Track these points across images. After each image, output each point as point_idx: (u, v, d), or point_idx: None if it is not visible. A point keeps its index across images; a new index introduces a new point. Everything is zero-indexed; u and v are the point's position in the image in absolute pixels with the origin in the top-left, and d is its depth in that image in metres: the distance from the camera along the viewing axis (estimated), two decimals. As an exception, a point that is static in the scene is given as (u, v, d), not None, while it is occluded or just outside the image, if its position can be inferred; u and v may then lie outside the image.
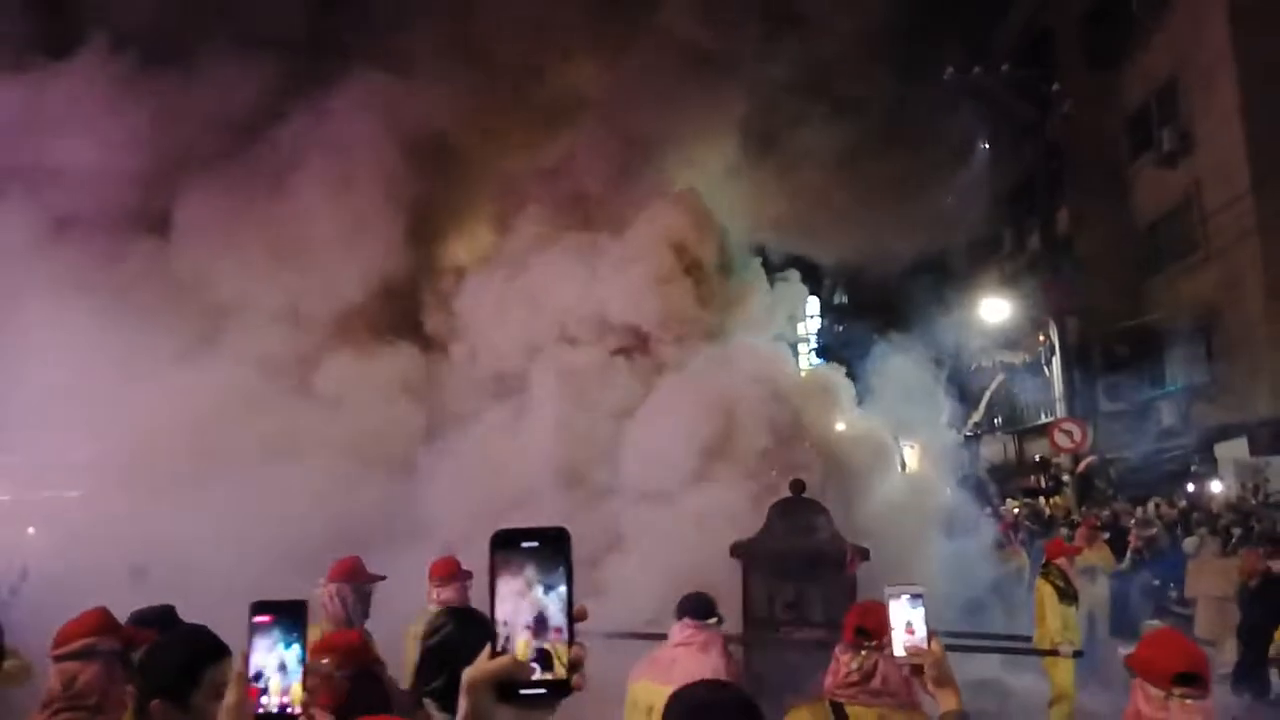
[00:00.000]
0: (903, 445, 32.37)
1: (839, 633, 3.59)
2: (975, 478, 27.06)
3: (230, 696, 1.47)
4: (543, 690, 1.13)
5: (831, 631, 7.20)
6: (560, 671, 1.13)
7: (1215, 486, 18.55)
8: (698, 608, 4.43)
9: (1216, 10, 19.44)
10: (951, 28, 22.85)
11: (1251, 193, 18.27)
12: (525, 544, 1.15)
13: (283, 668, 1.45)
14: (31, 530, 13.60)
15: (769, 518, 8.06)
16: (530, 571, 1.14)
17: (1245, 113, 18.55)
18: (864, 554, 7.76)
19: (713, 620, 4.44)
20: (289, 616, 1.47)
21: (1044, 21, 26.53)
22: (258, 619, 1.48)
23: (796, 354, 32.05)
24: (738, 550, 8.09)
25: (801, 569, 7.87)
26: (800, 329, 32.53)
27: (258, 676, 1.47)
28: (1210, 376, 20.32)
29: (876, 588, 4.24)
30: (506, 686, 1.13)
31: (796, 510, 8.00)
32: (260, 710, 1.45)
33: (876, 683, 3.33)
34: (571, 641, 1.14)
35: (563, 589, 1.14)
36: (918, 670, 2.51)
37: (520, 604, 1.14)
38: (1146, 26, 22.20)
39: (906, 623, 2.48)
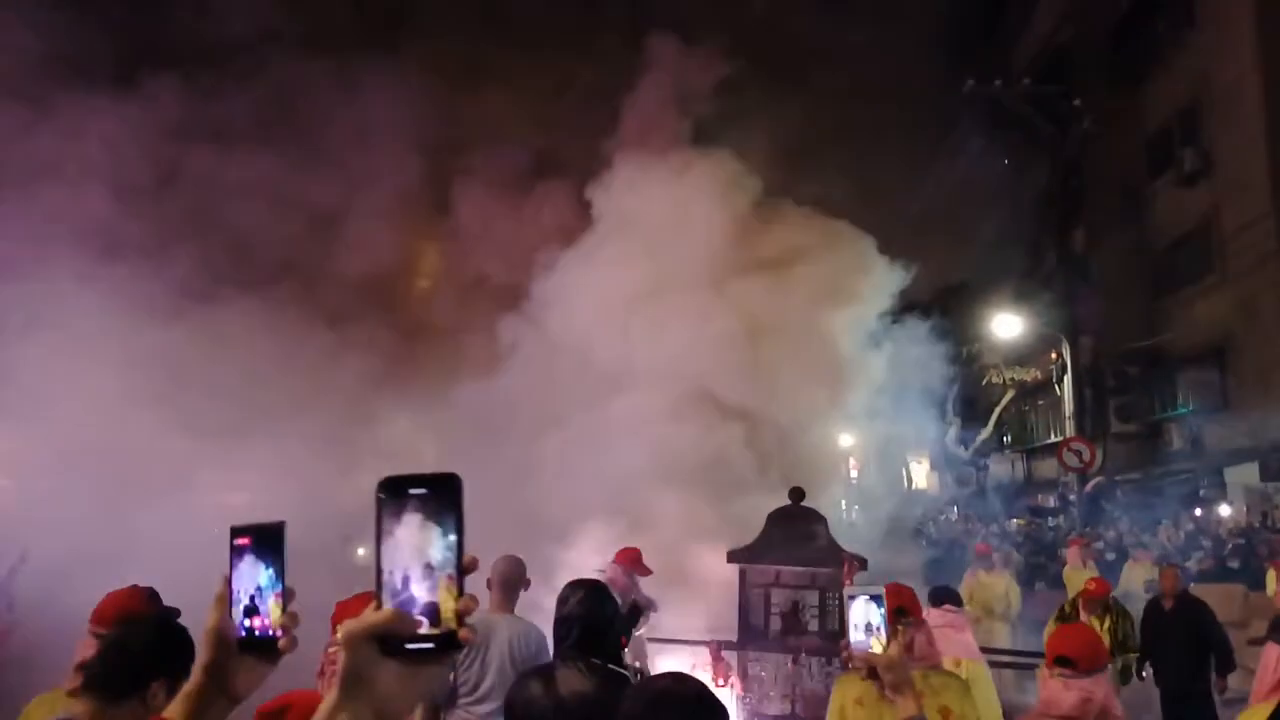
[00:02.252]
0: (910, 461, 32.37)
1: (835, 641, 3.67)
2: (982, 495, 26.96)
3: (211, 619, 1.41)
4: (430, 645, 1.06)
5: (826, 640, 7.13)
6: (449, 624, 1.06)
7: (1224, 511, 18.35)
8: (953, 596, 5.22)
9: (1242, 31, 19.30)
10: (973, 43, 22.83)
11: (1272, 216, 18.09)
12: (414, 490, 1.08)
13: (261, 590, 1.39)
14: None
15: (766, 525, 7.97)
16: (419, 519, 1.07)
17: (1269, 135, 18.39)
18: (862, 563, 7.66)
19: (963, 607, 5.12)
20: (268, 539, 1.41)
21: (1065, 38, 26.40)
22: (238, 541, 1.42)
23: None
24: (734, 557, 8.01)
25: (798, 577, 7.78)
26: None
27: (238, 600, 1.41)
28: (1223, 400, 20.13)
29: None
30: (391, 640, 1.05)
31: (794, 518, 7.91)
32: (242, 633, 1.39)
33: (917, 651, 3.88)
34: (461, 593, 1.07)
35: (453, 538, 1.07)
36: (873, 674, 2.48)
37: (407, 553, 1.07)
38: (1170, 46, 22.04)
39: (867, 624, 2.44)
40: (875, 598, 2.43)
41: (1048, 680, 3.44)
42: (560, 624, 3.46)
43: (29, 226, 10.67)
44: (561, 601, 3.51)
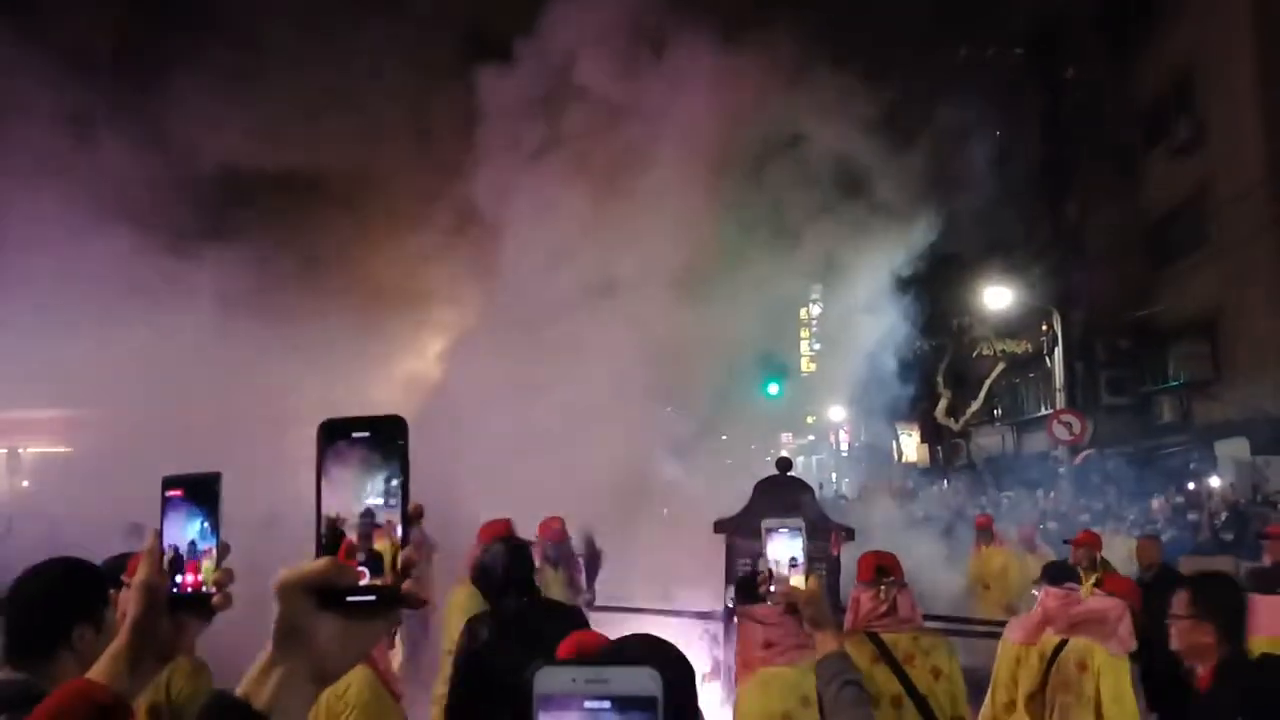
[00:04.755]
0: (900, 433, 32.39)
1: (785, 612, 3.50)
2: (971, 468, 26.98)
3: (141, 573, 1.33)
4: (371, 597, 1.00)
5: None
6: (392, 576, 1.00)
7: (1214, 483, 18.35)
8: (1071, 574, 5.22)
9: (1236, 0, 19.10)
10: (965, 11, 22.64)
11: (1265, 187, 17.96)
12: (356, 434, 1.01)
13: (195, 545, 1.32)
14: (26, 483, 13.78)
15: (753, 495, 7.87)
16: (362, 464, 1.01)
17: (1262, 106, 18.24)
18: (849, 534, 7.57)
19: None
20: (202, 491, 1.33)
21: (1059, 6, 26.13)
22: (170, 493, 1.34)
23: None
24: (721, 527, 7.92)
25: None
26: (803, 313, 32.35)
27: (172, 554, 1.34)
28: (1214, 373, 20.09)
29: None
30: (329, 592, 0.99)
31: (780, 488, 7.81)
32: (175, 588, 1.32)
33: (902, 612, 3.92)
34: (405, 542, 1.00)
35: (396, 483, 1.01)
36: (792, 609, 2.41)
37: (349, 499, 1.00)
38: (1164, 15, 21.82)
39: (790, 558, 2.35)
40: (795, 530, 2.35)
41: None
42: (485, 571, 4.00)
43: None
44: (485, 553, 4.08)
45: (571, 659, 2.18)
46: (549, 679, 0.83)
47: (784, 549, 2.35)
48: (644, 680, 0.84)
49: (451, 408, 11.38)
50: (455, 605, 5.61)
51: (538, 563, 6.64)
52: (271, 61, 13.33)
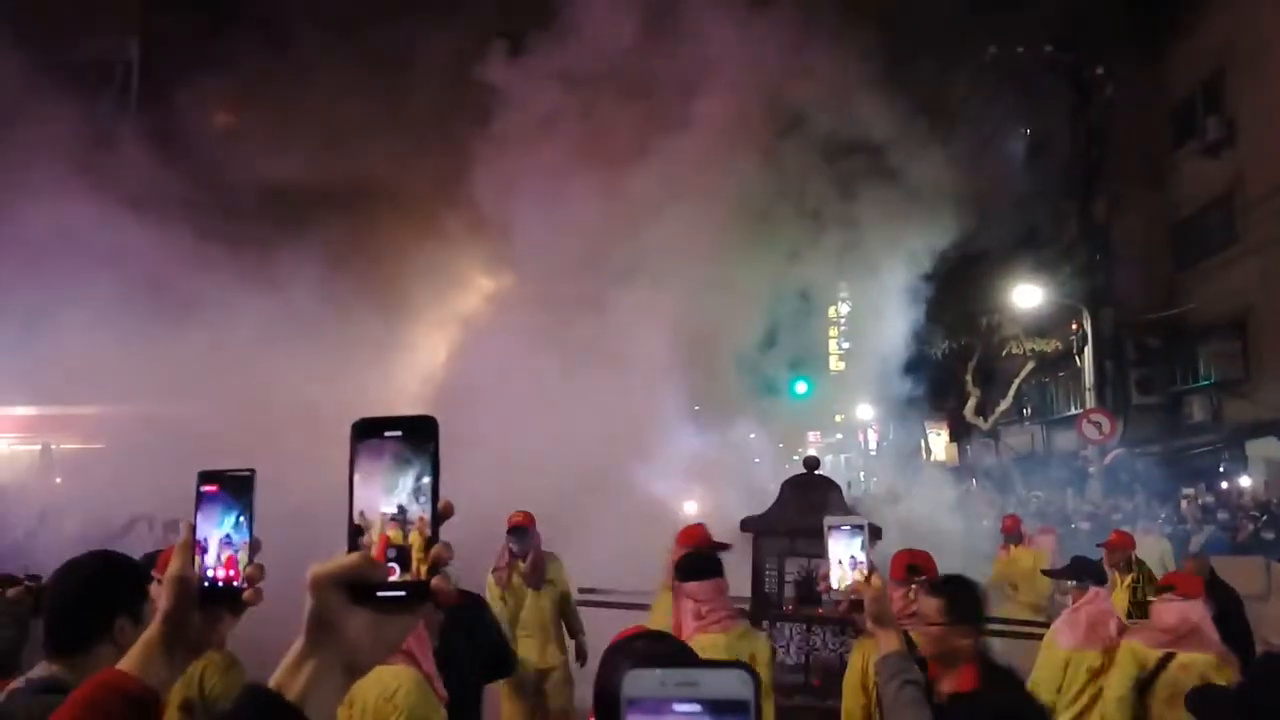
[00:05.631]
0: (929, 432, 32.28)
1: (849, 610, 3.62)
2: (1000, 467, 26.90)
3: (174, 566, 1.34)
4: (401, 592, 1.02)
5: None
6: (421, 572, 1.02)
7: (1244, 483, 18.26)
8: (1096, 570, 5.30)
9: (1268, -2, 18.98)
10: (995, 8, 22.54)
11: (1295, 186, 17.87)
12: (389, 433, 1.03)
13: (229, 540, 1.34)
14: (59, 480, 14.07)
15: (781, 493, 8.01)
16: (393, 463, 1.03)
17: (1294, 104, 18.12)
18: (877, 533, 7.69)
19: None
20: (237, 487, 1.36)
21: (1090, 4, 25.99)
22: (205, 488, 1.36)
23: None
24: (748, 525, 8.07)
25: (812, 546, 7.82)
26: (832, 311, 32.31)
27: (204, 549, 1.36)
28: (1244, 372, 19.97)
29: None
30: (360, 587, 1.01)
31: (809, 487, 7.95)
32: (206, 582, 1.34)
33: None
34: (435, 540, 1.03)
35: (427, 482, 1.03)
36: (857, 607, 2.37)
37: (380, 497, 1.02)
38: (1195, 13, 21.68)
39: (850, 557, 2.31)
40: (856, 529, 2.32)
41: (1155, 604, 4.58)
42: None
43: None
44: None
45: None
46: (637, 682, 0.82)
47: (845, 548, 2.32)
48: (735, 682, 0.82)
49: (467, 401, 11.42)
50: None
51: (506, 558, 6.85)
52: (294, 61, 13.54)
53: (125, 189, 11.44)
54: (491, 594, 6.71)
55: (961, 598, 3.22)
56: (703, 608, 4.05)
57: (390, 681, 3.03)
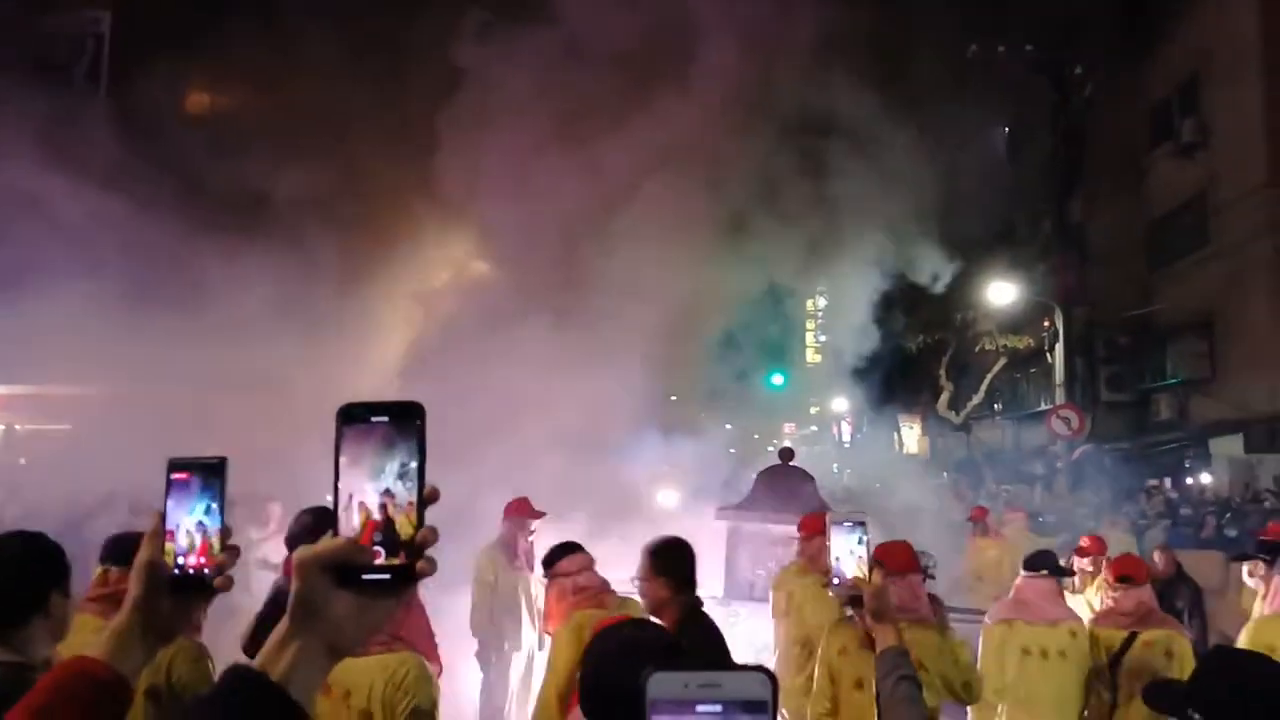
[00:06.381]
0: (902, 425, 32.59)
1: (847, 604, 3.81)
2: (971, 461, 27.26)
3: (143, 554, 1.34)
4: (386, 575, 1.03)
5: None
6: (407, 555, 1.03)
7: (1204, 479, 18.68)
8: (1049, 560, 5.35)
9: (1244, 3, 19.26)
10: (977, 7, 22.72)
11: (1264, 191, 18.19)
12: (375, 418, 1.05)
13: (201, 527, 1.33)
14: (23, 461, 13.93)
15: (755, 484, 8.17)
16: (379, 447, 1.04)
17: (1266, 109, 18.43)
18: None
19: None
20: (208, 474, 1.34)
21: (1071, 5, 26.26)
22: (175, 476, 1.35)
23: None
24: (724, 513, 8.21)
25: (785, 535, 7.97)
26: (809, 304, 32.52)
27: (174, 536, 1.35)
28: (1210, 372, 20.35)
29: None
30: (346, 570, 1.03)
31: (782, 477, 8.12)
32: (177, 570, 1.33)
33: (898, 601, 3.86)
34: (420, 524, 1.04)
35: (413, 467, 1.04)
36: (855, 603, 2.44)
37: (366, 482, 1.03)
38: (1173, 16, 21.97)
39: (849, 552, 2.38)
40: (857, 524, 2.38)
41: (1116, 592, 4.94)
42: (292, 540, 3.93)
43: None
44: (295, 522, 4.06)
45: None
46: (661, 685, 0.84)
47: (845, 543, 2.37)
48: (755, 684, 0.84)
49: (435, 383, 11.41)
50: None
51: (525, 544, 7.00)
52: (269, 39, 13.42)
53: (93, 165, 11.30)
54: (483, 574, 6.84)
55: (662, 554, 3.80)
56: (579, 579, 4.18)
57: (398, 669, 3.09)
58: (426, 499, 1.05)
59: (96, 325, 10.51)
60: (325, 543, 1.04)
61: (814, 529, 5.74)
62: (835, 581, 2.40)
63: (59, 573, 2.45)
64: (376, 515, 1.03)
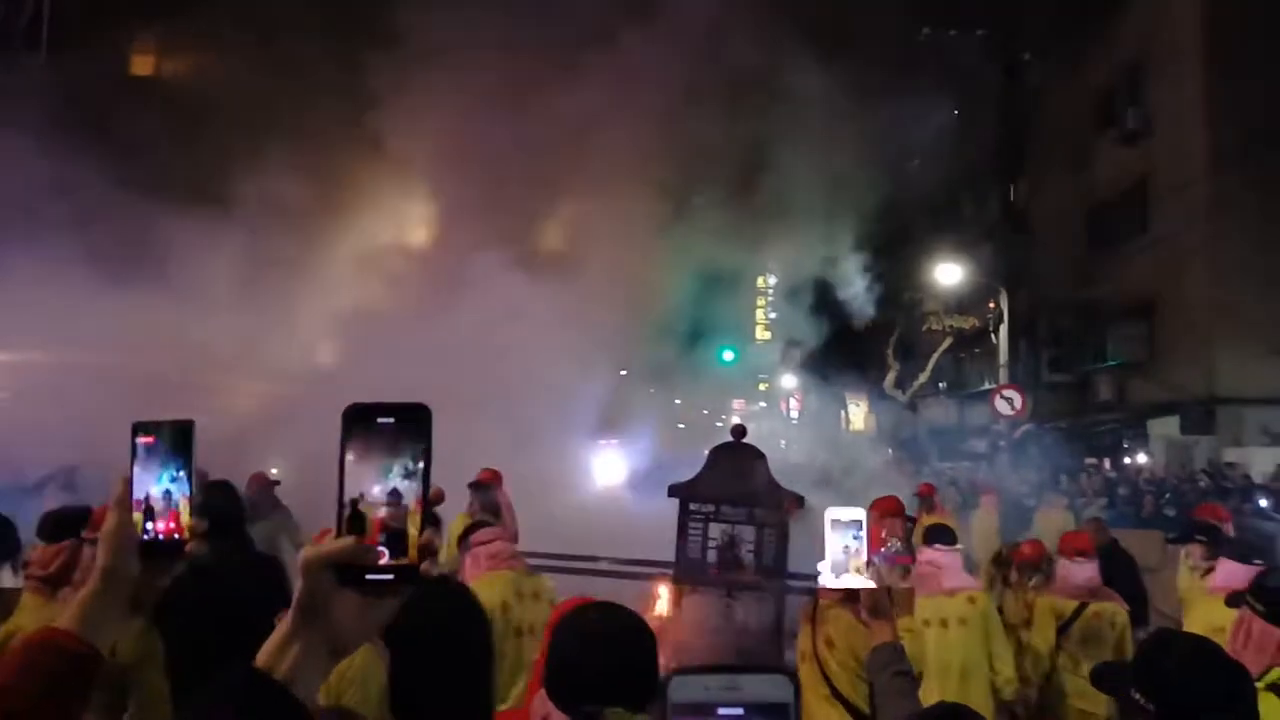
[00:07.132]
0: (849, 403, 32.93)
1: (772, 578, 3.84)
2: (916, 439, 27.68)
3: (110, 521, 1.31)
4: (390, 576, 1.03)
5: (761, 576, 7.38)
6: (411, 556, 1.04)
7: (1140, 459, 19.15)
8: (949, 535, 5.48)
9: (1189, -5, 19.60)
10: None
11: (1203, 180, 18.58)
12: (381, 420, 1.04)
13: (168, 494, 1.30)
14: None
15: (707, 461, 8.15)
16: (385, 448, 1.04)
17: (1207, 100, 18.78)
18: (799, 501, 7.88)
19: (958, 546, 5.49)
20: (175, 438, 1.31)
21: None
22: (141, 440, 1.31)
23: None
24: (674, 491, 8.19)
25: (737, 513, 7.98)
26: (760, 281, 32.62)
27: (143, 502, 1.31)
28: (1148, 354, 20.81)
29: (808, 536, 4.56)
30: (350, 570, 1.03)
31: (734, 455, 8.11)
32: (146, 537, 1.31)
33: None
34: (425, 525, 1.05)
35: (419, 468, 1.04)
36: (853, 598, 2.50)
37: (372, 483, 1.04)
38: (1120, 6, 22.25)
39: (844, 548, 2.37)
40: (854, 521, 2.36)
41: (1068, 565, 5.44)
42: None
43: None
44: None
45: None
46: (683, 688, 0.84)
47: (841, 539, 2.36)
48: (776, 687, 0.85)
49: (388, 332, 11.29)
50: None
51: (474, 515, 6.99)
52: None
53: (31, 128, 10.97)
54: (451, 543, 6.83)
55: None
56: (494, 547, 4.53)
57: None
58: (431, 500, 1.05)
59: (40, 293, 10.25)
60: (334, 543, 1.02)
61: (887, 509, 5.73)
62: (832, 576, 2.36)
63: (12, 548, 2.46)
64: (383, 515, 1.03)
